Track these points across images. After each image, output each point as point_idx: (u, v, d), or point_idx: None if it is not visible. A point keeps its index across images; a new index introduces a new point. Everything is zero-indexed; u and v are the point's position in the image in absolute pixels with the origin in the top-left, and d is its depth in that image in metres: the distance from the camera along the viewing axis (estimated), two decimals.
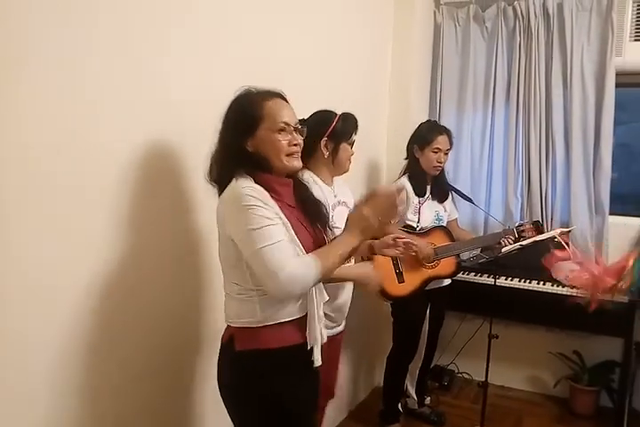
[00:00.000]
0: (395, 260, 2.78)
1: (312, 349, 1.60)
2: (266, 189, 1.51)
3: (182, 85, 1.79)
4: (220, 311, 1.68)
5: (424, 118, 3.58)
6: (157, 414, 1.81)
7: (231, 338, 1.58)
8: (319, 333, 1.60)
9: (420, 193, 2.90)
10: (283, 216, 1.49)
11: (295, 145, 1.58)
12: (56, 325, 1.45)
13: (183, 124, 1.80)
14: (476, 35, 3.56)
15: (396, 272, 2.77)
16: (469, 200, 3.03)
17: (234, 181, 1.52)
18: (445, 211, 3.02)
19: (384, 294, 2.75)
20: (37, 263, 1.38)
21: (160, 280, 1.77)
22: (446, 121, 3.54)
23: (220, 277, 1.65)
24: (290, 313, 1.57)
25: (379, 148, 3.45)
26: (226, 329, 1.64)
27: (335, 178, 2.27)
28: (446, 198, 3.02)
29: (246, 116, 1.54)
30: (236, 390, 1.59)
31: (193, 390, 1.96)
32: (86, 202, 1.50)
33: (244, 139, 1.55)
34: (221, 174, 1.57)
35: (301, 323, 1.59)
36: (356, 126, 2.23)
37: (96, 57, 1.49)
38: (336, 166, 2.21)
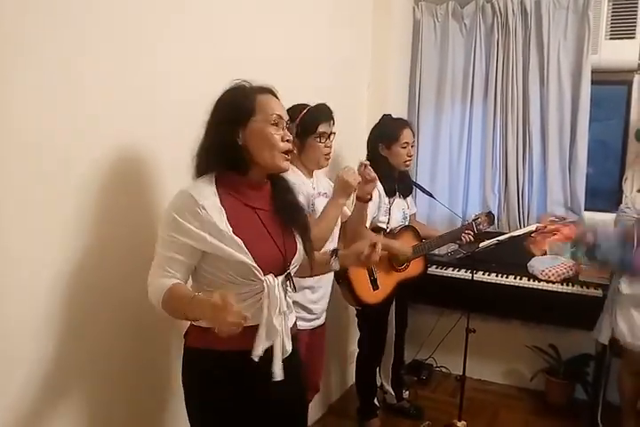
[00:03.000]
0: (369, 266, 2.73)
1: (263, 359, 1.48)
2: (230, 190, 1.49)
3: (161, 85, 1.79)
4: None
5: (403, 114, 3.60)
6: (133, 409, 1.80)
7: (186, 334, 1.60)
8: (280, 343, 1.52)
9: (390, 193, 2.82)
10: (220, 223, 1.43)
11: (288, 141, 1.53)
12: (28, 320, 1.45)
13: (157, 124, 1.79)
14: (455, 31, 3.57)
15: (370, 279, 2.67)
16: (430, 195, 2.99)
17: (194, 180, 1.51)
18: (408, 208, 3.00)
19: (359, 302, 2.67)
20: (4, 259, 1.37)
21: (130, 277, 1.74)
22: (425, 117, 3.57)
23: None
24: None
25: (358, 144, 3.44)
26: (189, 326, 1.63)
27: (316, 171, 2.27)
28: (410, 193, 3.00)
29: (238, 107, 1.50)
30: (187, 386, 1.59)
31: (169, 384, 1.94)
32: (54, 199, 1.49)
33: (235, 131, 1.49)
34: (198, 168, 1.53)
35: (250, 332, 1.47)
36: (328, 117, 2.17)
37: (78, 57, 1.48)
38: (307, 163, 2.19)
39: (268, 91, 1.56)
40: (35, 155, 1.42)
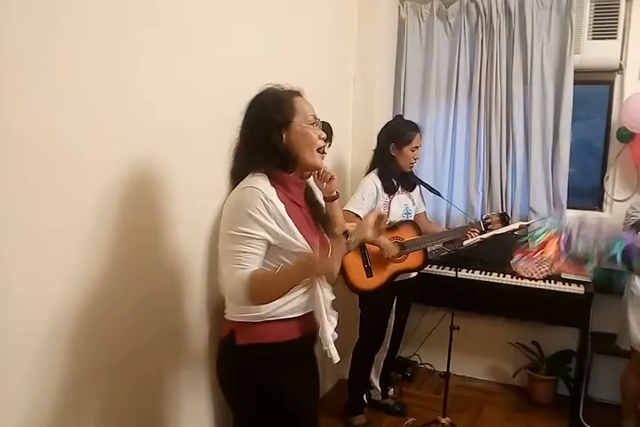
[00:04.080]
0: (363, 254, 2.80)
1: (311, 344, 1.69)
2: (280, 186, 1.56)
3: (169, 102, 1.83)
4: (188, 303, 1.68)
5: (388, 112, 3.62)
6: (129, 405, 1.80)
7: (232, 333, 1.63)
8: (329, 332, 1.64)
9: (391, 191, 2.90)
10: (285, 215, 1.53)
11: (323, 139, 1.63)
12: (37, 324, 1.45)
13: (168, 139, 1.84)
14: (440, 30, 3.59)
15: (364, 267, 2.81)
16: (437, 193, 3.06)
17: (249, 176, 1.56)
18: (414, 204, 3.05)
19: (352, 287, 2.78)
20: (18, 270, 1.38)
21: (135, 275, 1.77)
22: (410, 116, 3.57)
23: (195, 274, 1.70)
24: (292, 311, 1.62)
25: (344, 143, 3.45)
26: (226, 324, 1.67)
27: None
28: (414, 188, 3.04)
29: (281, 111, 1.58)
30: (237, 384, 1.64)
31: (166, 380, 1.96)
32: (69, 213, 1.51)
33: (278, 132, 1.57)
34: (240, 168, 1.60)
35: (304, 320, 1.64)
36: (329, 137, 2.29)
37: (65, 59, 1.47)
38: None
39: (300, 93, 1.66)
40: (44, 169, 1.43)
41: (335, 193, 2.23)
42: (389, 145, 2.88)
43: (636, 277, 2.74)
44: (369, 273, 2.83)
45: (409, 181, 3.00)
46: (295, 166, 1.61)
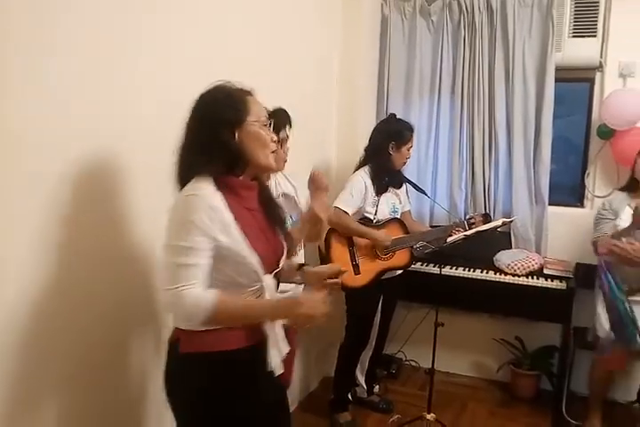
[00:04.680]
0: (351, 252, 2.81)
1: (262, 353, 1.56)
2: (227, 191, 1.48)
3: (133, 91, 1.78)
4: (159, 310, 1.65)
5: (372, 111, 3.62)
6: (97, 411, 1.78)
7: (177, 340, 1.55)
8: (280, 342, 1.58)
9: (383, 190, 2.93)
10: (229, 222, 1.45)
11: (274, 142, 1.57)
12: None
13: (129, 127, 1.78)
14: (422, 28, 3.59)
15: (352, 264, 2.83)
16: (422, 191, 3.08)
17: (193, 181, 1.47)
18: (400, 202, 3.07)
19: (340, 285, 2.77)
20: None
21: (99, 279, 1.73)
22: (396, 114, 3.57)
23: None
24: None
25: (328, 141, 3.45)
26: (172, 332, 1.60)
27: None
28: (401, 185, 3.06)
29: (234, 108, 1.49)
30: (180, 393, 1.56)
31: (133, 386, 1.93)
32: (23, 204, 1.47)
33: (230, 131, 1.48)
34: (185, 171, 1.50)
35: (251, 328, 1.54)
36: (285, 123, 2.19)
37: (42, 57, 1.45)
38: None
39: (252, 93, 1.57)
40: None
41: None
42: (389, 143, 2.89)
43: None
44: (357, 270, 2.84)
45: (397, 179, 3.02)
46: (245, 168, 1.54)
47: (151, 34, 1.84)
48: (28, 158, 1.47)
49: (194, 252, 1.40)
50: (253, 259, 1.48)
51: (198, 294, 1.39)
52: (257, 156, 1.52)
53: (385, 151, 2.90)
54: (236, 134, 1.49)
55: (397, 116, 3.06)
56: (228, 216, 1.45)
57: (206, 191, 1.44)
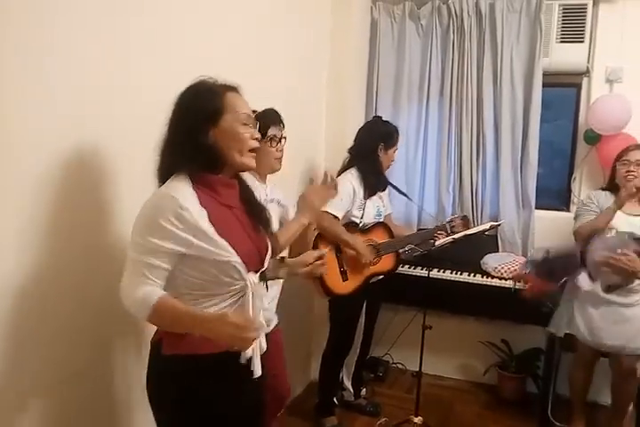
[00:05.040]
0: (339, 258, 2.80)
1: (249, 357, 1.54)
2: (206, 189, 1.47)
3: (112, 86, 1.75)
4: None
5: (361, 114, 3.63)
6: (83, 413, 1.75)
7: (159, 342, 1.53)
8: (258, 342, 1.54)
9: (372, 191, 2.92)
10: (203, 223, 1.42)
11: (256, 140, 1.53)
12: None
13: (114, 124, 1.76)
14: (412, 32, 3.61)
15: (340, 270, 2.81)
16: (405, 195, 3.08)
17: (171, 179, 1.47)
18: (384, 206, 3.06)
19: (328, 292, 2.78)
20: None
21: (82, 282, 1.71)
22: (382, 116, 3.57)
23: None
24: None
25: (316, 143, 3.45)
26: (155, 332, 1.58)
27: (269, 176, 2.26)
28: (385, 188, 3.06)
29: (209, 106, 1.47)
30: (161, 395, 1.55)
31: (118, 388, 1.90)
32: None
33: (205, 129, 1.47)
34: (164, 167, 1.50)
35: None
36: (277, 122, 2.19)
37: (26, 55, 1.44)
38: (260, 167, 2.12)
39: (235, 89, 1.55)
40: None
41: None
42: (378, 145, 2.89)
43: (582, 273, 2.81)
44: (344, 277, 2.82)
45: (379, 181, 3.01)
46: (223, 167, 1.52)
47: (150, 34, 1.85)
48: (28, 157, 1.47)
49: (156, 254, 1.40)
50: (233, 257, 1.46)
51: (147, 291, 1.39)
52: (232, 155, 1.50)
53: (374, 153, 2.90)
54: (211, 133, 1.47)
55: (383, 118, 3.06)
56: (201, 215, 1.43)
57: (180, 191, 1.43)
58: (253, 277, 1.53)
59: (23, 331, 1.53)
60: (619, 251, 2.53)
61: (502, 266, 3.27)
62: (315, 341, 3.40)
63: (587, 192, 3.40)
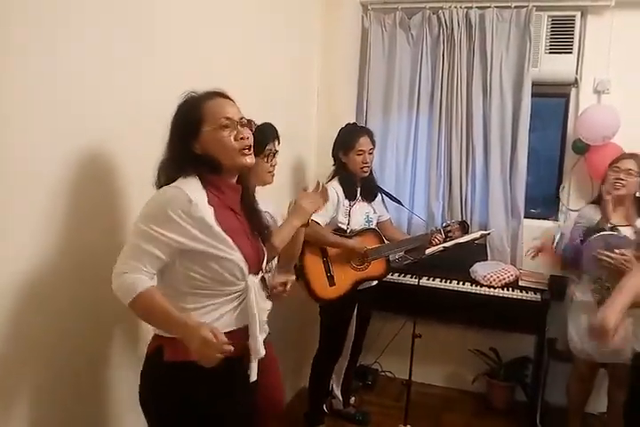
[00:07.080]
0: (325, 263, 2.80)
1: (245, 361, 1.57)
2: (213, 190, 1.52)
3: (118, 87, 1.76)
4: None
5: (351, 121, 3.63)
6: (74, 416, 1.73)
7: (159, 348, 1.53)
8: (260, 345, 1.58)
9: (350, 196, 2.91)
10: (210, 220, 1.47)
11: (242, 139, 1.55)
12: None
13: (118, 127, 1.77)
14: (402, 41, 3.62)
15: (327, 275, 2.80)
16: (397, 202, 3.08)
17: (180, 179, 1.51)
18: (375, 212, 3.06)
19: (314, 296, 2.77)
20: None
21: (79, 282, 1.70)
22: (372, 125, 3.59)
23: None
24: (226, 324, 1.54)
25: (307, 152, 3.45)
26: (153, 338, 1.58)
27: (259, 188, 2.25)
28: (375, 198, 3.06)
29: (187, 120, 1.54)
30: (158, 400, 1.54)
31: (111, 392, 1.89)
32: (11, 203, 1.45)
33: (190, 142, 1.53)
34: (167, 179, 1.53)
35: (237, 335, 1.54)
36: (274, 137, 2.23)
37: (22, 57, 1.43)
38: (254, 180, 2.15)
39: (216, 94, 1.58)
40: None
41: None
42: (338, 153, 2.92)
43: (574, 284, 2.87)
44: (331, 282, 2.82)
45: (368, 191, 3.01)
46: (222, 169, 1.56)
47: (150, 34, 1.87)
48: (28, 157, 1.48)
49: (157, 242, 1.44)
50: (236, 254, 1.51)
51: (136, 278, 1.43)
52: (222, 159, 1.55)
53: (339, 161, 2.93)
54: (197, 145, 1.54)
55: (352, 122, 3.08)
56: (208, 212, 1.48)
57: (191, 187, 1.48)
58: (254, 280, 1.57)
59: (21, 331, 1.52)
60: (617, 251, 2.56)
61: (491, 274, 3.29)
62: (304, 348, 3.38)
63: (575, 201, 3.46)
